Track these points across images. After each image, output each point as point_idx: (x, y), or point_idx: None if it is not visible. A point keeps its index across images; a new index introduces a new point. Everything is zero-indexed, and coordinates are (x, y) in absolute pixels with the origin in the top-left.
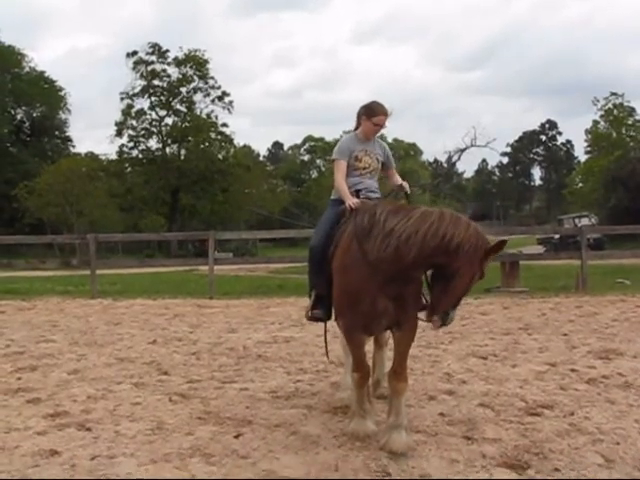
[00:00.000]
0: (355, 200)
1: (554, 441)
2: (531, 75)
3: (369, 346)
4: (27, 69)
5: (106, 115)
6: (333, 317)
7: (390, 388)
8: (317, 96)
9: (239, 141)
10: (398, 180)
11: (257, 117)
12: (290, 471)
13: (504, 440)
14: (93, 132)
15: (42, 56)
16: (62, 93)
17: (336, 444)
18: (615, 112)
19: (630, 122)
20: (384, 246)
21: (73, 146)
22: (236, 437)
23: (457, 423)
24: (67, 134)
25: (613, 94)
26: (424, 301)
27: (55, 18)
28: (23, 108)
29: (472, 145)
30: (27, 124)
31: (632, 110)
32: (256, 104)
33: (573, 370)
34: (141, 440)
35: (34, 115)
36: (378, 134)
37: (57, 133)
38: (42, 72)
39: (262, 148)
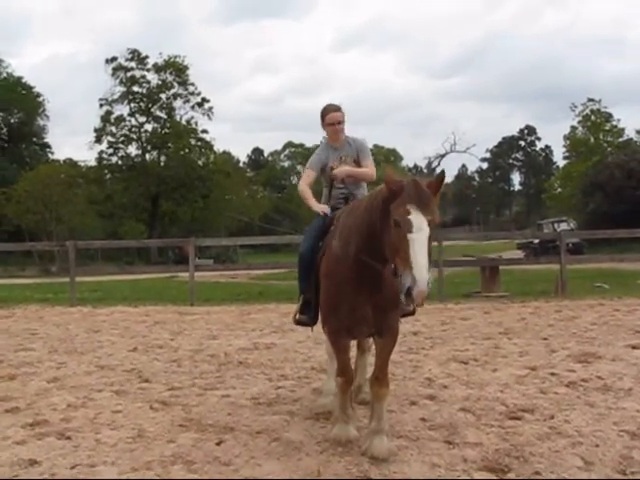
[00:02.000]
0: (324, 207)
1: (534, 444)
2: (510, 81)
3: (353, 352)
4: (4, 75)
5: (85, 121)
6: (320, 323)
7: (372, 394)
8: (298, 102)
9: (219, 147)
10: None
11: (237, 123)
12: (272, 477)
13: (485, 444)
14: (72, 138)
15: (21, 62)
16: (40, 99)
17: (318, 450)
18: (593, 118)
19: (607, 128)
20: (343, 243)
21: (52, 152)
22: (218, 444)
23: (438, 428)
24: (46, 140)
25: (590, 100)
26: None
27: (34, 24)
28: (0, 114)
29: (452, 151)
30: (4, 130)
31: (609, 116)
32: (236, 110)
33: (553, 374)
34: (122, 448)
35: (12, 121)
36: (345, 133)
37: (35, 139)
38: (20, 78)
39: (242, 154)
